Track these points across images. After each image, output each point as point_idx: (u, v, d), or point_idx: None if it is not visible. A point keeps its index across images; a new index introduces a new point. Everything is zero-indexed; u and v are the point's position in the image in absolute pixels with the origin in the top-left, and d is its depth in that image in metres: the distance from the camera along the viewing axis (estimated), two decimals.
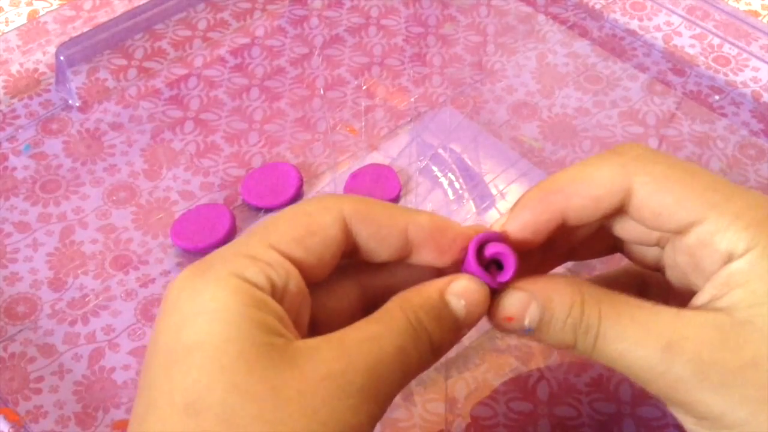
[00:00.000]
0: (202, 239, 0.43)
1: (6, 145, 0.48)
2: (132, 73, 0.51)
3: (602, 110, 0.49)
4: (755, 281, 0.27)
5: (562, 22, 0.54)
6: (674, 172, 0.29)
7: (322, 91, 0.50)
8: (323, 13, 0.55)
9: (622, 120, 0.49)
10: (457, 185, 0.46)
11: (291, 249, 0.28)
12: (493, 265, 0.30)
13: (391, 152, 0.47)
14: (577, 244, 0.33)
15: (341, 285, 0.30)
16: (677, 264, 0.30)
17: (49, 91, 0.50)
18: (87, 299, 0.41)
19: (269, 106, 0.50)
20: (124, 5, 0.53)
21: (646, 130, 0.48)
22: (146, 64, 0.52)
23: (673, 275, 0.31)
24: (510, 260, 0.29)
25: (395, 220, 0.29)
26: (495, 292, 0.30)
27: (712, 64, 0.52)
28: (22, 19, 0.55)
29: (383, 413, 0.27)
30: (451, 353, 0.38)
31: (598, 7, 0.55)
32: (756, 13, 0.56)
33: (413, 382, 0.31)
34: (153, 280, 0.42)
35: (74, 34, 0.51)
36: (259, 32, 0.54)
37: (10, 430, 0.36)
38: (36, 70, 0.51)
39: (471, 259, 0.29)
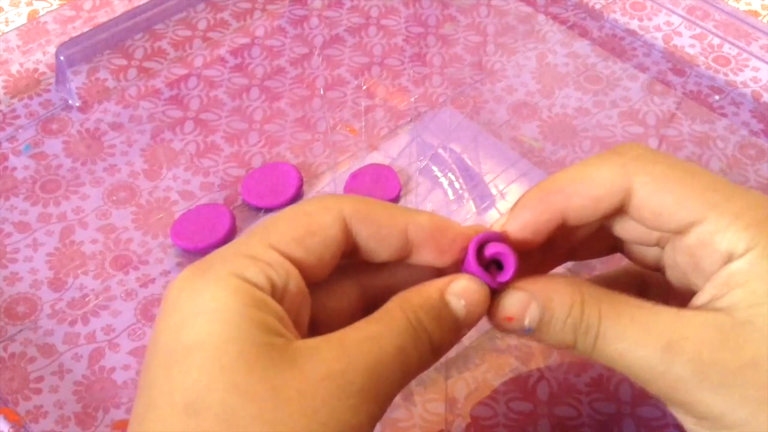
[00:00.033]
0: (202, 239, 0.43)
1: (6, 145, 0.48)
2: (132, 73, 0.51)
3: (602, 110, 0.49)
4: (755, 281, 0.27)
5: (562, 22, 0.54)
6: (674, 172, 0.29)
7: (322, 91, 0.50)
8: (323, 13, 0.55)
9: (622, 120, 0.49)
10: (457, 185, 0.46)
11: (291, 249, 0.28)
12: (493, 265, 0.30)
13: (391, 152, 0.47)
14: (577, 244, 0.33)
15: (341, 285, 0.30)
16: (677, 264, 0.30)
17: (49, 91, 0.50)
18: (87, 299, 0.41)
19: (269, 106, 0.50)
20: (124, 5, 0.53)
21: (646, 130, 0.48)
22: (146, 64, 0.52)
23: (673, 275, 0.31)
24: (510, 260, 0.29)
25: (395, 220, 0.29)
26: (495, 292, 0.30)
27: (712, 64, 0.52)
28: (22, 19, 0.55)
29: (383, 413, 0.27)
30: (451, 353, 0.38)
31: (598, 7, 0.55)
32: (756, 13, 0.56)
33: (413, 382, 0.31)
34: (153, 280, 0.42)
35: (74, 34, 0.51)
36: (259, 32, 0.54)
37: (10, 430, 0.36)
38: (36, 70, 0.51)
39: (471, 259, 0.29)
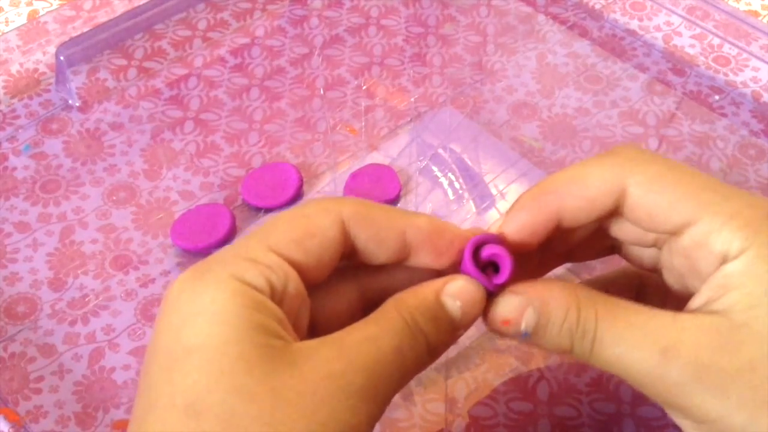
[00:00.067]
0: (202, 239, 0.43)
1: (6, 145, 0.48)
2: (132, 73, 0.52)
3: (602, 110, 0.49)
4: (751, 283, 0.27)
5: (562, 22, 0.54)
6: (668, 173, 0.29)
7: (322, 91, 0.50)
8: (323, 13, 0.55)
9: (622, 120, 0.49)
10: (457, 185, 0.46)
11: (290, 251, 0.28)
12: (490, 267, 0.30)
13: (391, 152, 0.47)
14: (575, 245, 0.33)
15: (340, 287, 0.30)
16: (674, 266, 0.30)
17: (49, 91, 0.50)
18: (87, 299, 0.41)
19: (269, 106, 0.50)
20: (124, 5, 0.53)
21: (646, 130, 0.48)
22: (146, 64, 0.52)
23: (670, 277, 0.31)
24: (506, 262, 0.29)
25: (393, 223, 0.29)
26: (492, 295, 0.30)
27: (712, 64, 0.52)
28: (22, 19, 0.55)
29: (382, 413, 0.27)
30: (451, 353, 0.38)
31: (598, 7, 0.55)
32: (756, 13, 0.56)
33: (413, 382, 0.31)
34: (153, 280, 0.42)
35: (74, 34, 0.51)
36: (259, 32, 0.54)
37: (10, 430, 0.36)
38: (36, 70, 0.51)
39: (467, 261, 0.29)
